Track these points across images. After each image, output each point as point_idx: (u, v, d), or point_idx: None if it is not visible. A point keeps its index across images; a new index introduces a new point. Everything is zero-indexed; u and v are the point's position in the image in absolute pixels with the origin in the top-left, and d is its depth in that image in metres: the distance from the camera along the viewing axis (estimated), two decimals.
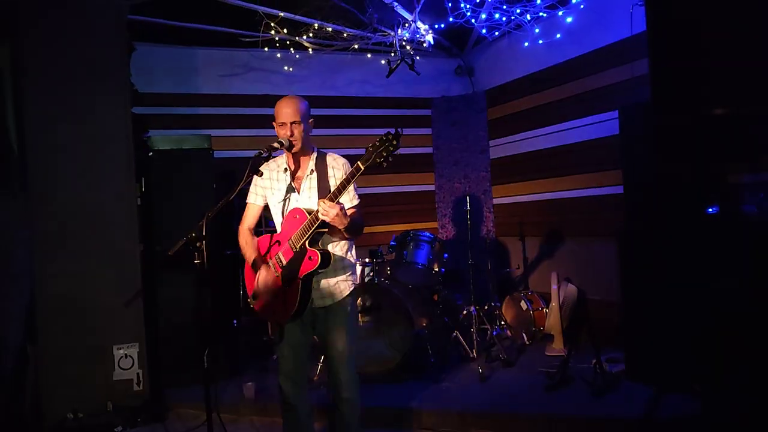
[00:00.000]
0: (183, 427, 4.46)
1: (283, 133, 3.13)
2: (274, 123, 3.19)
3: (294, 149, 3.16)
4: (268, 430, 4.41)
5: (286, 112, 3.14)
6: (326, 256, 3.04)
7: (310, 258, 3.01)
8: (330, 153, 3.29)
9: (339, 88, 7.07)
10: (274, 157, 3.28)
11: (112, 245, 4.62)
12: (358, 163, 2.81)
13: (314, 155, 3.26)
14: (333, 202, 2.88)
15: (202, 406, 3.14)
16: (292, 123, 3.13)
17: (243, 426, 4.51)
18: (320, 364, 4.86)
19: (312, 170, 3.21)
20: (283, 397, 3.29)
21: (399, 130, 2.76)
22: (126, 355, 4.62)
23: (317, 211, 2.92)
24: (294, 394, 3.27)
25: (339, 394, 3.23)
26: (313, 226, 2.98)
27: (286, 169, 3.28)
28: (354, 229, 3.10)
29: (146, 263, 4.89)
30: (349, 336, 3.23)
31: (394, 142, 2.73)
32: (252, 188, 3.37)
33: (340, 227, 2.95)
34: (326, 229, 3.07)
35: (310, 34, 5.98)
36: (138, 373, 4.65)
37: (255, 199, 3.37)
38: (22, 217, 4.51)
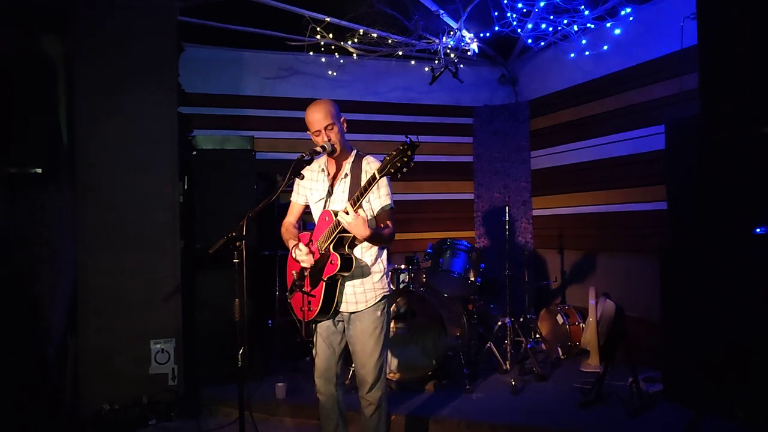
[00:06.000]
0: (215, 423, 4.51)
1: (320, 140, 3.14)
2: (309, 133, 3.21)
3: (336, 153, 3.17)
4: (298, 431, 4.44)
5: (317, 118, 3.14)
6: (347, 260, 3.04)
7: (331, 262, 3.04)
8: (367, 156, 3.28)
9: (382, 94, 7.09)
10: (316, 159, 3.31)
11: (154, 241, 4.70)
12: (375, 172, 2.81)
13: (352, 157, 3.26)
14: (354, 207, 2.88)
15: (235, 404, 3.18)
16: (326, 128, 3.13)
17: (273, 425, 4.54)
18: (352, 368, 4.86)
19: (347, 174, 3.22)
20: (317, 394, 3.37)
21: (414, 140, 2.69)
22: (162, 349, 4.69)
23: (337, 221, 2.96)
24: (326, 390, 3.33)
25: (364, 398, 3.28)
26: (335, 230, 3.00)
27: (323, 170, 3.30)
28: (377, 240, 3.09)
29: (186, 260, 4.96)
30: (375, 342, 3.23)
31: (409, 153, 2.68)
32: (295, 187, 3.43)
33: (359, 236, 2.97)
34: (350, 234, 3.06)
35: (355, 40, 6.02)
36: (173, 368, 4.72)
37: (297, 198, 3.45)
38: (69, 209, 4.64)
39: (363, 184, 2.93)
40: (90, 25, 4.60)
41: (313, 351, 3.33)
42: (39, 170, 4.19)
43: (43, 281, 4.56)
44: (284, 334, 5.59)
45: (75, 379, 4.56)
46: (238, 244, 2.95)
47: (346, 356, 3.41)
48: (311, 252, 3.14)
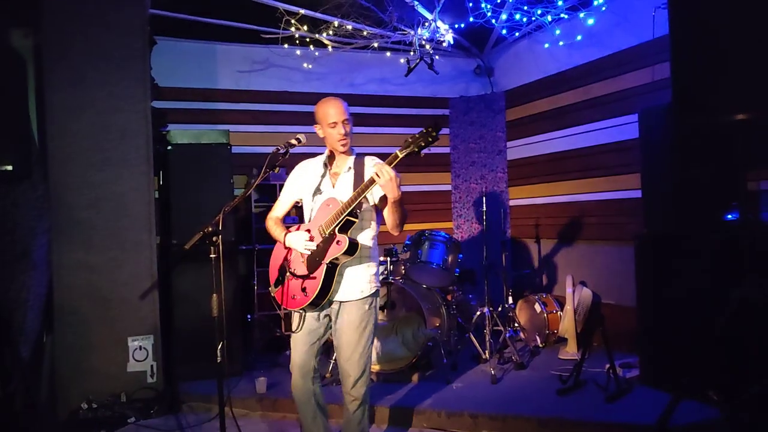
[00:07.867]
0: (195, 420, 4.49)
1: (335, 132, 3.17)
2: (317, 126, 3.24)
3: (345, 147, 3.22)
4: (278, 425, 4.43)
5: (338, 111, 3.19)
6: (354, 243, 3.06)
7: (337, 242, 3.03)
8: (369, 156, 3.33)
9: (358, 86, 7.07)
10: (297, 153, 3.33)
11: (130, 237, 4.65)
12: (396, 152, 2.85)
13: (353, 155, 3.32)
14: (391, 165, 2.86)
15: (215, 400, 3.17)
16: (343, 121, 3.19)
17: (254, 420, 4.53)
18: (332, 362, 4.87)
19: (350, 167, 3.25)
20: (292, 388, 3.34)
21: (438, 123, 2.84)
22: (140, 347, 4.65)
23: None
24: (303, 385, 3.30)
25: (348, 393, 3.27)
26: (343, 213, 3.00)
27: (325, 164, 3.33)
28: (401, 209, 3.04)
29: (162, 256, 4.92)
30: (361, 336, 3.23)
31: (434, 134, 2.78)
32: (289, 181, 3.43)
33: (390, 196, 2.90)
34: (356, 219, 3.07)
35: (330, 32, 5.99)
36: (152, 365, 4.68)
37: (289, 193, 3.43)
38: (42, 206, 4.56)
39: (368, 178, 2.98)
40: (60, 18, 4.52)
41: (294, 341, 3.29)
42: (9, 167, 4.11)
43: (17, 280, 4.49)
44: (264, 328, 5.58)
45: (52, 378, 4.50)
46: (214, 239, 2.93)
47: (326, 349, 3.39)
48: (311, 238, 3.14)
